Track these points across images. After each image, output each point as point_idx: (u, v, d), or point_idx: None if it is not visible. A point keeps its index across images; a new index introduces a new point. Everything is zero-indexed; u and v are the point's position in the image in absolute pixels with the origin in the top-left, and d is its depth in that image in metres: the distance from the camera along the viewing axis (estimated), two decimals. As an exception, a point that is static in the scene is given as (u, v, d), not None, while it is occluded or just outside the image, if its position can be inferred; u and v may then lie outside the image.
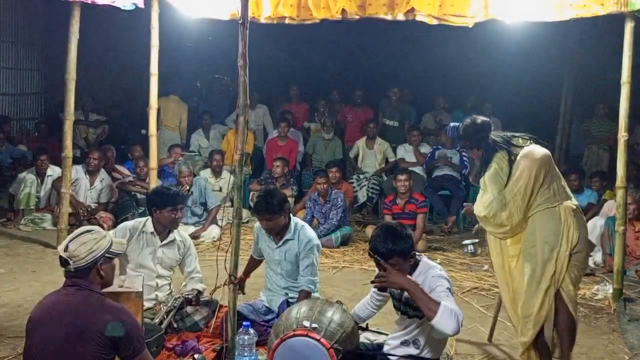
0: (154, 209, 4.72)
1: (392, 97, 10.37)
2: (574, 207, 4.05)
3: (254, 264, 4.99)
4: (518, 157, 4.04)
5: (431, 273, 3.51)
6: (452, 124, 4.42)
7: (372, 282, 3.47)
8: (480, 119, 4.26)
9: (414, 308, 3.51)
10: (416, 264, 3.58)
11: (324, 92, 11.09)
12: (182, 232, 5.04)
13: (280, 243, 4.64)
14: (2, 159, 9.66)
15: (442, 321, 3.19)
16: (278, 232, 4.63)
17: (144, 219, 4.85)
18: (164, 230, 4.76)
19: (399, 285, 3.35)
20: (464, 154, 8.86)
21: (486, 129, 4.18)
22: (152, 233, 4.73)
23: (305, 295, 4.46)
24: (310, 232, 4.72)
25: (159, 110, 10.60)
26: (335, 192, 7.96)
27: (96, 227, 3.22)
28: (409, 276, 3.43)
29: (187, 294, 4.66)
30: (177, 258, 4.84)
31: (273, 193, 4.56)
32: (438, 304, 3.21)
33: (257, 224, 4.87)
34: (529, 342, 4.05)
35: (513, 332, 4.96)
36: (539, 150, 4.07)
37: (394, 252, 3.44)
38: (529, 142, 4.16)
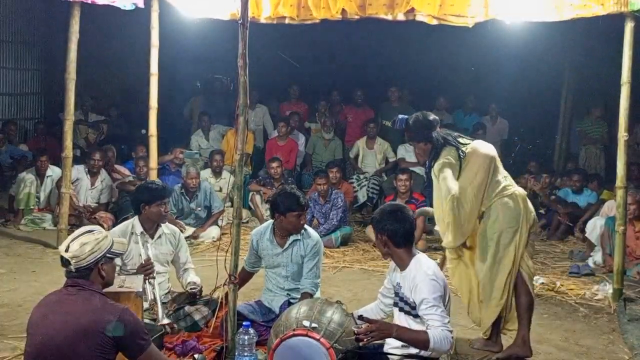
0: (143, 205, 4.76)
1: (391, 96, 10.37)
2: (524, 192, 4.45)
3: (246, 277, 4.83)
4: (467, 153, 4.34)
5: (419, 276, 3.49)
6: (400, 116, 4.65)
7: (357, 339, 3.42)
8: (431, 115, 4.52)
9: (410, 306, 3.54)
10: (409, 257, 3.59)
11: (324, 92, 11.10)
12: (169, 225, 5.06)
13: (286, 245, 4.61)
14: (2, 159, 9.66)
15: (436, 349, 3.36)
16: (284, 235, 4.62)
17: (129, 221, 4.88)
18: (152, 227, 4.80)
19: (387, 335, 3.45)
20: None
21: (435, 125, 4.45)
22: (141, 233, 4.76)
23: (308, 297, 4.45)
24: (315, 235, 4.72)
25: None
26: (335, 192, 7.96)
27: (97, 227, 3.22)
28: (390, 322, 3.59)
29: (192, 289, 4.67)
30: (170, 251, 4.87)
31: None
32: (427, 337, 3.32)
33: (255, 230, 4.83)
34: (492, 321, 4.43)
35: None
36: (485, 146, 4.43)
37: (372, 221, 3.73)
38: (472, 140, 4.50)
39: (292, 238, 4.61)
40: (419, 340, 3.37)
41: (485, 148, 4.41)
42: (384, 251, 3.67)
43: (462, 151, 4.35)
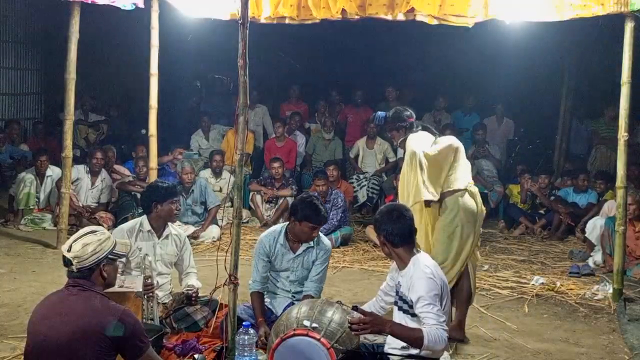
0: (155, 204, 4.74)
1: (388, 96, 10.36)
2: (476, 188, 4.85)
3: (261, 300, 4.55)
4: (440, 138, 4.86)
5: (417, 274, 3.48)
6: (379, 112, 5.15)
7: (352, 328, 3.42)
8: (409, 110, 4.99)
9: (408, 305, 3.54)
10: (409, 257, 3.59)
11: (324, 92, 11.08)
12: (176, 227, 5.08)
13: (299, 251, 4.58)
14: (2, 159, 9.65)
15: (430, 348, 3.33)
16: (296, 240, 4.56)
17: (139, 219, 4.87)
18: (161, 226, 4.79)
19: (380, 329, 3.44)
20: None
21: (412, 117, 4.94)
22: (149, 231, 4.76)
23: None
24: (327, 242, 4.70)
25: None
26: (335, 192, 7.97)
27: (100, 228, 3.21)
28: (385, 317, 3.57)
29: (188, 290, 4.66)
30: (175, 253, 4.85)
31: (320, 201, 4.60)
32: (421, 335, 3.30)
33: (265, 235, 4.65)
34: None
35: (513, 332, 4.98)
36: (454, 139, 4.87)
37: (374, 222, 3.79)
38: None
39: (305, 245, 4.58)
40: (412, 337, 3.35)
41: (454, 141, 4.85)
42: (385, 251, 3.69)
43: (436, 135, 4.87)
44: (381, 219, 3.64)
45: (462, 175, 4.75)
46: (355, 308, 3.49)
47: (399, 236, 3.59)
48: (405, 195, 4.74)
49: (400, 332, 3.42)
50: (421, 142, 4.74)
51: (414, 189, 4.64)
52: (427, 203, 4.68)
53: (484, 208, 4.87)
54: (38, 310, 3.03)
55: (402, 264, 3.61)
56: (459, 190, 4.70)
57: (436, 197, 4.65)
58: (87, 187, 8.12)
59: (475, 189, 4.81)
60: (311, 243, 4.58)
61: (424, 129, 4.93)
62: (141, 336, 2.98)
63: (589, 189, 8.43)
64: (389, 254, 3.69)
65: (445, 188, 4.70)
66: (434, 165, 4.64)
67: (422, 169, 4.60)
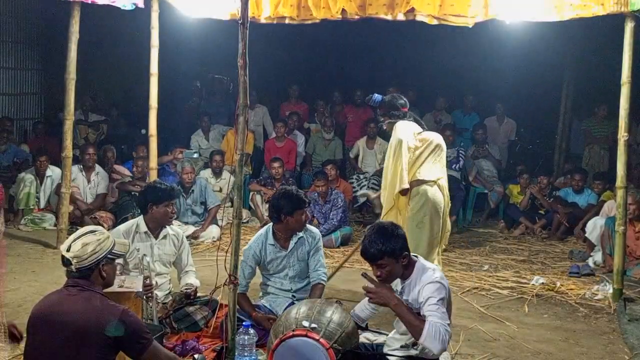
0: (150, 205, 4.73)
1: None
2: (445, 183, 5.21)
3: (247, 299, 4.58)
4: (422, 133, 5.24)
5: (425, 279, 3.47)
6: (376, 95, 5.42)
7: (365, 292, 3.52)
8: (404, 99, 5.34)
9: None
10: (412, 265, 3.56)
11: (324, 92, 11.08)
12: (174, 227, 5.06)
13: (291, 246, 4.61)
14: (5, 159, 9.63)
15: (427, 343, 3.29)
16: (287, 236, 4.61)
17: (135, 220, 4.87)
18: (157, 227, 4.78)
19: (385, 302, 3.43)
20: (461, 151, 8.81)
21: (406, 107, 5.29)
22: (145, 232, 4.75)
23: (321, 288, 4.54)
24: (314, 228, 4.81)
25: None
26: (335, 192, 7.97)
27: (99, 228, 3.21)
28: (396, 295, 3.49)
29: (186, 289, 4.66)
30: (173, 252, 4.85)
31: None
32: (423, 324, 3.28)
33: (251, 243, 4.66)
34: None
35: (513, 332, 4.99)
36: (436, 136, 5.25)
37: (383, 253, 3.45)
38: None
39: (295, 238, 4.61)
40: (413, 323, 3.33)
41: (434, 136, 5.24)
42: (398, 271, 3.53)
43: (424, 128, 5.23)
44: (393, 240, 3.47)
45: (435, 169, 5.09)
46: (364, 275, 3.57)
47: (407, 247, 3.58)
48: (386, 180, 5.13)
49: (403, 314, 3.39)
50: (407, 131, 5.12)
51: (391, 176, 5.05)
52: (404, 192, 5.09)
53: (448, 197, 5.23)
54: (38, 310, 3.03)
55: (409, 272, 3.57)
56: (428, 181, 5.06)
57: (406, 185, 5.07)
58: (84, 184, 8.14)
59: (444, 184, 5.11)
60: (301, 233, 4.63)
61: (415, 120, 5.27)
62: (142, 333, 2.98)
63: (587, 189, 8.43)
64: (400, 273, 3.54)
65: (415, 177, 5.07)
66: (411, 155, 5.06)
67: (404, 156, 5.00)
